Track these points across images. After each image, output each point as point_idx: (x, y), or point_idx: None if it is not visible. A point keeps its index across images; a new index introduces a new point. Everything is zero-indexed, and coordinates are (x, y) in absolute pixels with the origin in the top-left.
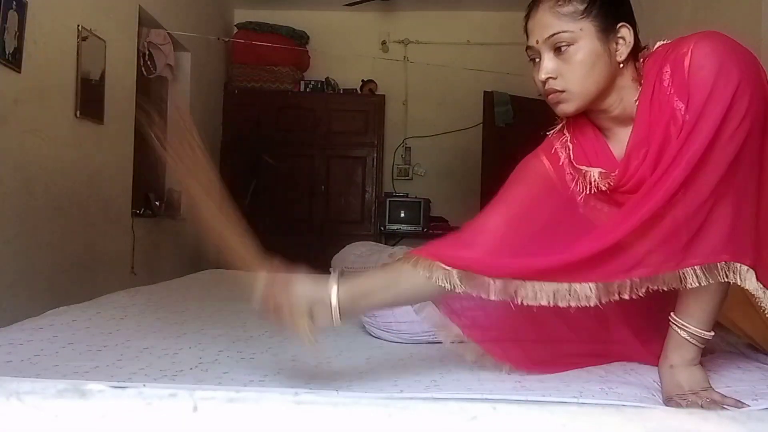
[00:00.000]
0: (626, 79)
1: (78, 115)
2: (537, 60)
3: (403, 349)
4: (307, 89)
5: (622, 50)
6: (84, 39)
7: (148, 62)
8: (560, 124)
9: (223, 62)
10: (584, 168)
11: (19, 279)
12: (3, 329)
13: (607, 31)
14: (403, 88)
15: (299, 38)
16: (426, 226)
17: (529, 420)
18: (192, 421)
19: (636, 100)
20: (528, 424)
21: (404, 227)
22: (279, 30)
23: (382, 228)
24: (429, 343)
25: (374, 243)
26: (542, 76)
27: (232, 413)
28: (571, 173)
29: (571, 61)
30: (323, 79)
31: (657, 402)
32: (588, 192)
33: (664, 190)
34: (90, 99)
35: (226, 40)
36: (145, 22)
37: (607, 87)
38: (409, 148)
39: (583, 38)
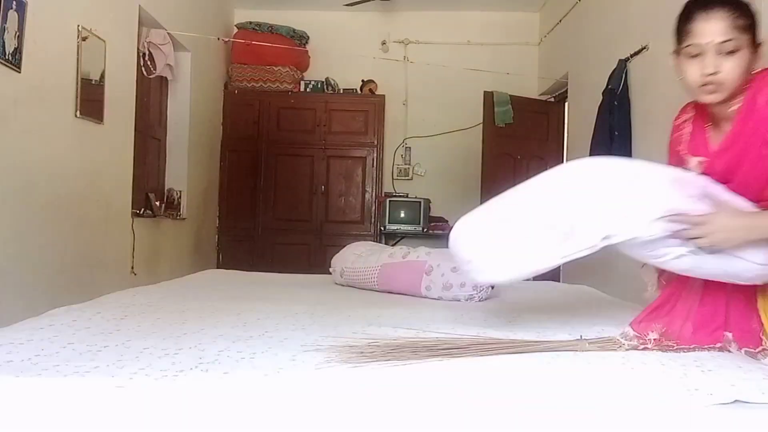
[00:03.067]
0: (740, 88)
1: (78, 115)
2: (697, 55)
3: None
4: (307, 89)
5: (758, 62)
6: (84, 39)
7: (148, 62)
8: (691, 112)
9: (223, 62)
10: (688, 156)
11: (19, 279)
12: (3, 329)
13: (755, 45)
14: (403, 88)
15: (299, 38)
16: (426, 226)
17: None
18: None
19: (739, 103)
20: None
21: (404, 227)
22: (279, 30)
23: (382, 228)
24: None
25: (374, 243)
26: (710, 70)
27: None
28: (684, 150)
29: (732, 63)
30: (323, 79)
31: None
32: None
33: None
34: (90, 99)
35: (226, 40)
36: (145, 22)
37: (737, 90)
38: (409, 148)
39: (744, 47)
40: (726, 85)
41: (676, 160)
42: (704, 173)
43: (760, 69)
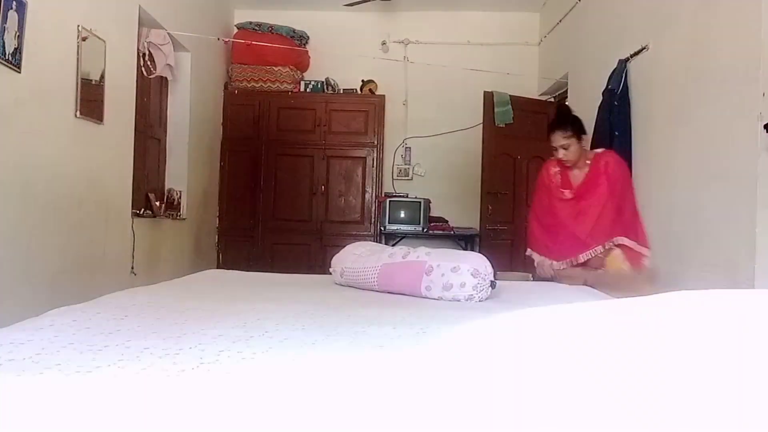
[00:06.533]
0: (584, 156)
1: (78, 115)
2: (556, 149)
3: (403, 351)
4: (307, 89)
5: (584, 146)
6: (84, 39)
7: (148, 62)
8: (557, 164)
9: (223, 62)
10: (563, 191)
11: (19, 279)
12: (3, 329)
13: (580, 139)
14: (403, 88)
15: (299, 38)
16: (426, 226)
17: None
18: None
19: (589, 163)
20: None
21: (404, 227)
22: (279, 30)
23: (382, 228)
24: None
25: (374, 243)
26: (560, 156)
27: None
28: (558, 188)
29: (571, 151)
30: (323, 79)
31: None
32: (561, 199)
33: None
34: (90, 99)
35: (226, 40)
36: (145, 22)
37: (580, 159)
38: (409, 148)
39: (573, 143)
40: (571, 160)
41: (544, 196)
42: (570, 200)
43: (601, 150)
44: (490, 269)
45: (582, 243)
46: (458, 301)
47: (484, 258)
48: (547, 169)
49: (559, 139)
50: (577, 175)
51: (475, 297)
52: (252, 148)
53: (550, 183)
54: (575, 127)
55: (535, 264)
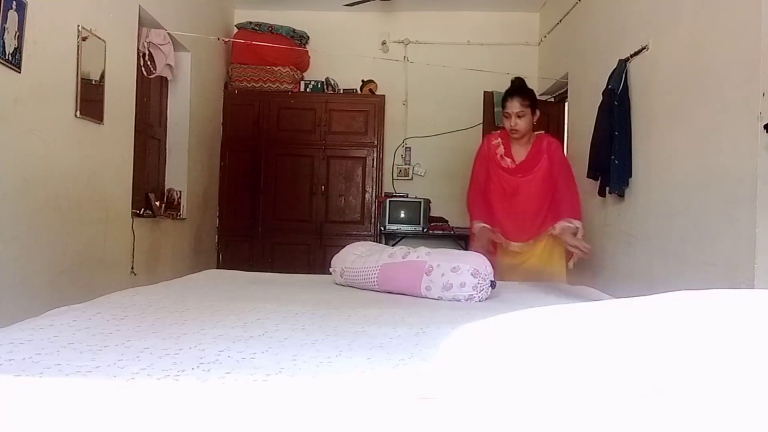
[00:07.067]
0: (531, 131)
1: (78, 115)
2: (510, 116)
3: (404, 350)
4: (307, 89)
5: (535, 120)
6: (84, 39)
7: (148, 62)
8: (499, 136)
9: (223, 62)
10: (506, 158)
11: (19, 279)
12: (3, 329)
13: (533, 113)
14: (403, 88)
15: (299, 38)
16: (426, 227)
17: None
18: None
19: (531, 142)
20: None
21: (404, 227)
22: (279, 30)
23: (382, 228)
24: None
25: (374, 243)
26: (513, 124)
27: None
28: (501, 157)
29: (524, 120)
30: (323, 79)
31: None
32: (502, 167)
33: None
34: (90, 99)
35: (226, 40)
36: (145, 22)
37: (528, 132)
38: (409, 148)
39: (528, 114)
40: (521, 131)
41: (483, 167)
42: (513, 169)
43: (542, 132)
44: (490, 269)
45: (522, 224)
46: (458, 301)
47: (484, 258)
48: (488, 141)
49: (517, 105)
50: (519, 151)
51: (475, 297)
52: (252, 148)
53: (490, 153)
54: (533, 99)
55: (475, 231)
